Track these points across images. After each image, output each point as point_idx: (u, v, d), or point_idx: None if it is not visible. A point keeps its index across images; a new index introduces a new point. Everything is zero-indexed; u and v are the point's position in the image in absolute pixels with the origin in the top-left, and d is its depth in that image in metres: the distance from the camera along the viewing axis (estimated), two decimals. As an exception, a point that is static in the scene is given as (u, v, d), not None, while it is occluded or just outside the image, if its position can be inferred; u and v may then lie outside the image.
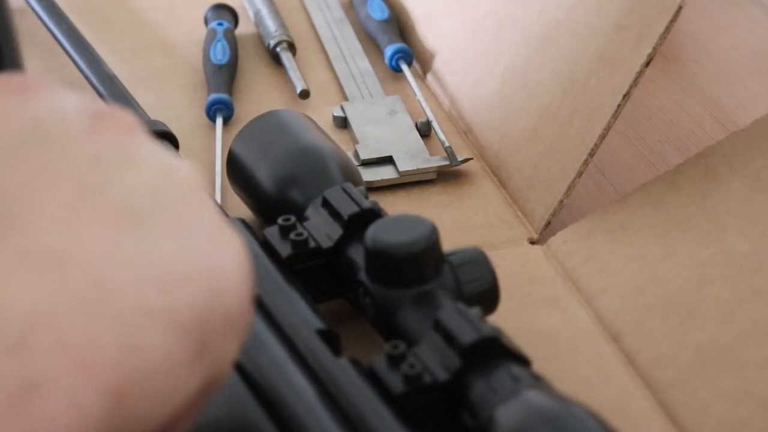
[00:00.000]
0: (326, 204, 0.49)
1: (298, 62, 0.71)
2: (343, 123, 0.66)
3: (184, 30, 0.76)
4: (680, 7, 0.53)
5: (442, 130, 0.64)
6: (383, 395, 0.40)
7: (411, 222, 0.45)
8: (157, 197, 0.30)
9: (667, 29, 0.53)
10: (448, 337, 0.41)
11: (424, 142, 0.63)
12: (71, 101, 0.32)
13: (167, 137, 0.57)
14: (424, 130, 0.65)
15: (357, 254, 0.47)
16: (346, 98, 0.69)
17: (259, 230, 0.50)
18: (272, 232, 0.49)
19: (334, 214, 0.48)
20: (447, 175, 0.62)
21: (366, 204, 0.48)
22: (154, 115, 0.61)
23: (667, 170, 0.56)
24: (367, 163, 0.62)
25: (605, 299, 0.51)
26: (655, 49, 0.53)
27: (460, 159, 0.62)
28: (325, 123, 0.65)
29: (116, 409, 0.26)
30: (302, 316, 0.44)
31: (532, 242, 0.57)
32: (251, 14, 0.76)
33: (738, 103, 0.71)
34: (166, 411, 0.28)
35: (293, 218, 0.49)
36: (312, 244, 0.48)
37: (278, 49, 0.72)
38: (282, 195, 0.51)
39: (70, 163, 0.29)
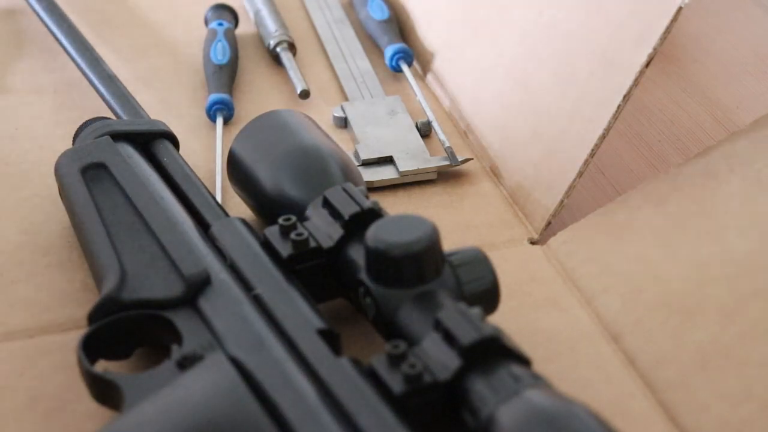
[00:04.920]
0: (327, 204, 0.49)
1: (298, 62, 0.71)
2: (343, 123, 0.66)
3: (185, 30, 0.76)
4: (680, 8, 0.53)
5: (442, 130, 0.64)
6: (383, 395, 0.40)
7: (411, 222, 0.45)
8: None
9: (668, 29, 0.53)
10: (449, 337, 0.41)
11: (425, 142, 0.64)
12: None
13: (168, 137, 0.57)
14: (425, 130, 0.65)
15: (357, 254, 0.47)
16: (346, 98, 0.69)
17: (259, 230, 0.50)
18: (273, 232, 0.49)
19: (335, 214, 0.48)
20: (447, 176, 0.62)
21: (366, 204, 0.48)
22: (154, 115, 0.61)
23: (667, 170, 0.56)
24: (368, 163, 0.62)
25: (605, 299, 0.51)
26: (655, 49, 0.53)
27: (460, 159, 0.62)
28: (326, 123, 0.65)
29: None
30: (303, 315, 0.44)
31: (533, 242, 0.57)
32: (251, 14, 0.76)
33: (738, 103, 0.70)
34: None
35: (294, 218, 0.49)
36: (312, 243, 0.48)
37: (278, 49, 0.72)
38: (282, 195, 0.51)
39: None
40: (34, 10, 0.71)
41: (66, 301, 0.52)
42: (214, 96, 0.66)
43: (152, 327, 0.46)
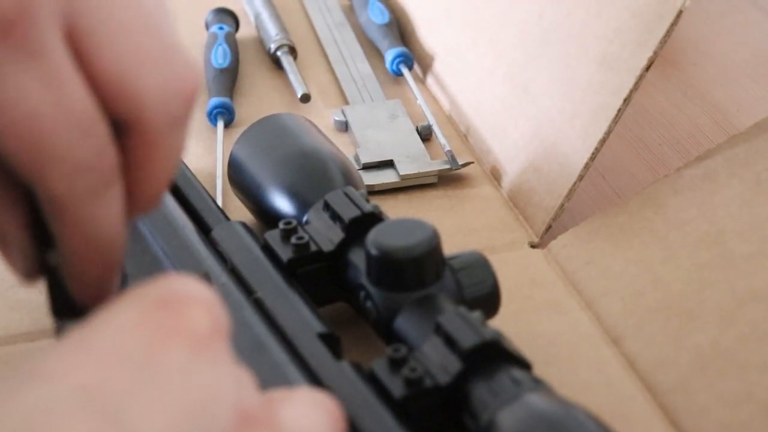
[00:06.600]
0: (327, 208, 0.49)
1: (298, 66, 0.71)
2: (344, 126, 0.66)
3: (185, 34, 0.76)
4: (681, 11, 0.53)
5: (442, 134, 0.64)
6: (384, 399, 0.40)
7: (412, 226, 0.45)
8: None
9: (668, 33, 0.53)
10: (449, 341, 0.41)
11: (425, 146, 0.64)
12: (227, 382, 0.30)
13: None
14: (425, 134, 0.65)
15: (358, 258, 0.47)
16: (347, 102, 0.69)
17: (260, 234, 0.50)
18: (273, 236, 0.49)
19: (336, 217, 0.49)
20: (448, 179, 0.62)
21: (367, 208, 0.48)
22: (155, 118, 0.61)
23: (667, 173, 0.56)
24: (368, 167, 0.62)
25: (606, 302, 0.51)
26: (655, 52, 0.53)
27: (460, 162, 0.62)
28: (326, 126, 0.65)
29: None
30: (303, 319, 0.44)
31: (533, 246, 0.57)
32: (252, 18, 0.76)
33: (738, 107, 0.71)
34: None
35: (294, 222, 0.49)
36: (313, 247, 0.48)
37: (279, 53, 0.72)
38: (283, 199, 0.51)
39: None
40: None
41: (67, 304, 0.52)
42: (215, 99, 0.66)
43: (153, 331, 0.46)
